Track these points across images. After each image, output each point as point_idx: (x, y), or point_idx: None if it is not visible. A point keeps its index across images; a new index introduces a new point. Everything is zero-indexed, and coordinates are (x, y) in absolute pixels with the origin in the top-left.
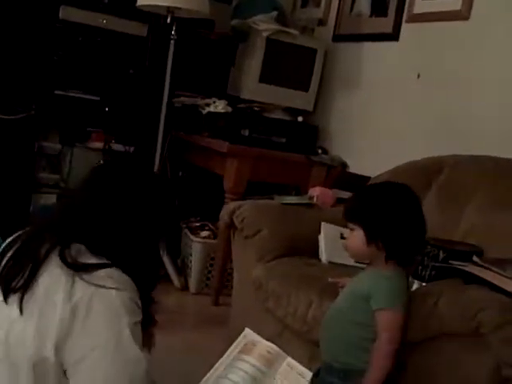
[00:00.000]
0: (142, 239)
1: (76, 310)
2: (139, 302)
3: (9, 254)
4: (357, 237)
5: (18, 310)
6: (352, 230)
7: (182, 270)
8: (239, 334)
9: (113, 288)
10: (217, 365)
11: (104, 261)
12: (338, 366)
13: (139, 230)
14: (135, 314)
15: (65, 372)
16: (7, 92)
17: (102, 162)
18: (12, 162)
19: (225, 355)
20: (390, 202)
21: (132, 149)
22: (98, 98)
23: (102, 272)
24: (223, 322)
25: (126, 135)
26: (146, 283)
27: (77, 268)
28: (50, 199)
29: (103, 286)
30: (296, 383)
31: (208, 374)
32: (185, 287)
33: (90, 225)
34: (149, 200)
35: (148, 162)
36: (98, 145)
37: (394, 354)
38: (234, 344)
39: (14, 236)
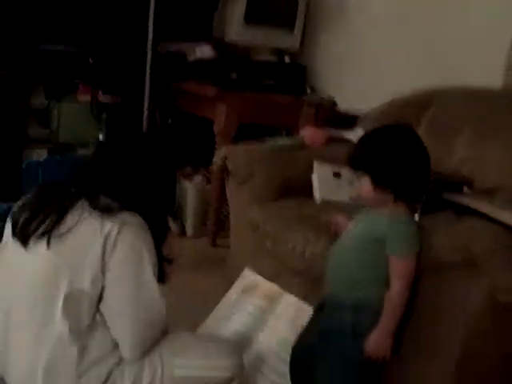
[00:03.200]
0: (152, 189)
1: (106, 243)
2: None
3: (27, 212)
4: (364, 183)
5: (43, 249)
6: (359, 178)
7: (179, 215)
8: (239, 275)
9: (137, 225)
10: (219, 306)
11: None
12: (349, 303)
13: (151, 179)
14: (153, 254)
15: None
16: None
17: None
18: (0, 119)
19: (226, 296)
20: (393, 144)
21: (120, 99)
22: (81, 50)
23: (125, 213)
24: (222, 263)
25: (112, 86)
26: (159, 228)
27: (104, 210)
28: (42, 154)
29: (129, 223)
30: (297, 318)
31: (210, 315)
32: (182, 232)
33: (114, 178)
34: (153, 159)
35: (137, 112)
36: (85, 97)
37: (407, 300)
38: (235, 284)
39: (21, 202)
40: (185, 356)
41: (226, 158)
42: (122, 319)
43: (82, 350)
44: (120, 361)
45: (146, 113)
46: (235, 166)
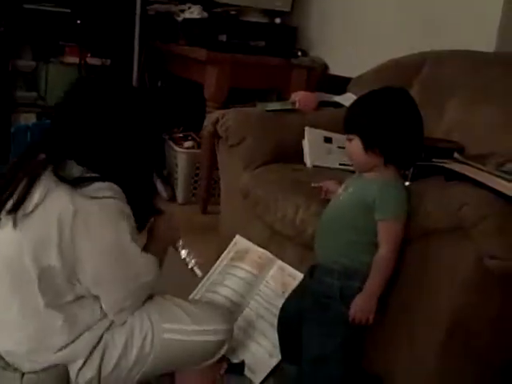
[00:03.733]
0: (131, 150)
1: (76, 218)
2: (130, 212)
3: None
4: (355, 146)
5: (10, 227)
6: (349, 140)
7: (169, 181)
8: (230, 242)
9: (109, 197)
10: (210, 273)
11: (96, 175)
12: (338, 268)
13: (127, 141)
14: (131, 220)
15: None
16: None
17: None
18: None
19: (217, 262)
20: (385, 107)
21: (109, 62)
22: (68, 11)
23: (96, 184)
24: (213, 230)
25: (101, 48)
26: (141, 194)
27: (71, 182)
28: (30, 118)
29: (100, 197)
30: (287, 284)
31: (202, 282)
32: (172, 198)
33: (79, 140)
34: (132, 111)
35: (126, 74)
36: (74, 59)
37: (395, 262)
38: (226, 251)
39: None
40: (175, 321)
41: (217, 122)
42: (103, 288)
43: (70, 320)
44: (110, 325)
45: (135, 75)
46: (226, 129)
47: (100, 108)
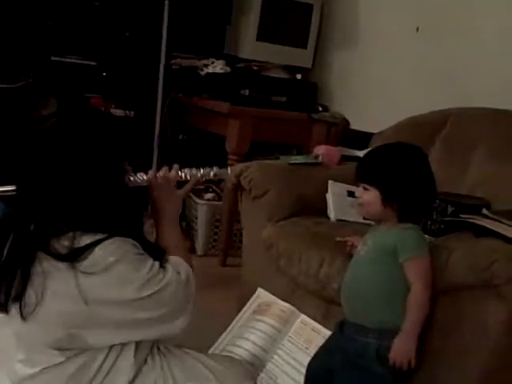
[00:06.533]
0: (107, 189)
1: (86, 298)
2: (141, 250)
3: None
4: (373, 197)
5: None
6: (366, 189)
7: (188, 233)
8: (251, 295)
9: (110, 263)
10: (231, 326)
11: (94, 238)
12: (373, 326)
13: (100, 181)
14: (144, 263)
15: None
16: (4, 60)
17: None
18: (13, 131)
19: (238, 316)
20: (405, 163)
21: (132, 113)
22: (94, 63)
23: (96, 251)
24: (233, 283)
25: (125, 100)
26: (136, 228)
27: (69, 258)
28: None
29: (103, 270)
30: (311, 339)
31: (223, 335)
32: (191, 250)
33: (61, 207)
34: (97, 145)
35: (148, 126)
36: None
37: (430, 302)
38: (248, 304)
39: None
40: (199, 380)
41: (240, 174)
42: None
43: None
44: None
45: (157, 127)
46: (250, 181)
47: (62, 156)
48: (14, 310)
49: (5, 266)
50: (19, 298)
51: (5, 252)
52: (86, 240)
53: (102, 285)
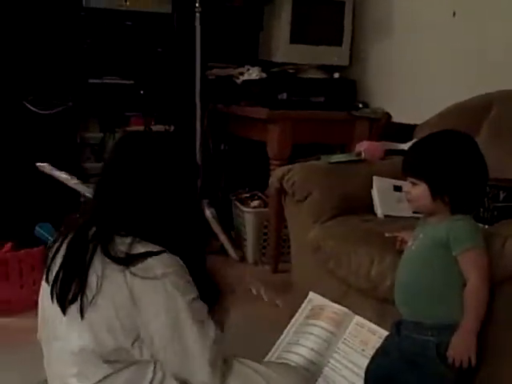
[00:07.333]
0: (176, 212)
1: (135, 301)
2: (191, 279)
3: (58, 262)
4: (421, 192)
5: (78, 318)
6: (414, 184)
7: (238, 242)
8: (303, 299)
9: (163, 274)
10: (285, 332)
11: (149, 248)
12: (430, 323)
13: (171, 203)
14: (189, 291)
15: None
16: (42, 87)
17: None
18: (56, 156)
19: (292, 321)
20: (453, 153)
21: (172, 128)
22: (131, 82)
23: (150, 260)
24: (286, 289)
25: (164, 115)
26: (195, 258)
27: (125, 262)
28: None
29: (154, 277)
30: (367, 341)
31: (278, 341)
32: (242, 258)
33: (128, 214)
34: (174, 171)
35: (189, 139)
36: (139, 128)
37: (488, 296)
38: (301, 309)
39: (59, 233)
40: None
41: (282, 178)
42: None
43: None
44: None
45: (198, 139)
46: (292, 184)
47: (143, 169)
48: (71, 314)
49: (64, 267)
50: (76, 298)
51: (62, 253)
52: (140, 249)
53: (152, 291)
